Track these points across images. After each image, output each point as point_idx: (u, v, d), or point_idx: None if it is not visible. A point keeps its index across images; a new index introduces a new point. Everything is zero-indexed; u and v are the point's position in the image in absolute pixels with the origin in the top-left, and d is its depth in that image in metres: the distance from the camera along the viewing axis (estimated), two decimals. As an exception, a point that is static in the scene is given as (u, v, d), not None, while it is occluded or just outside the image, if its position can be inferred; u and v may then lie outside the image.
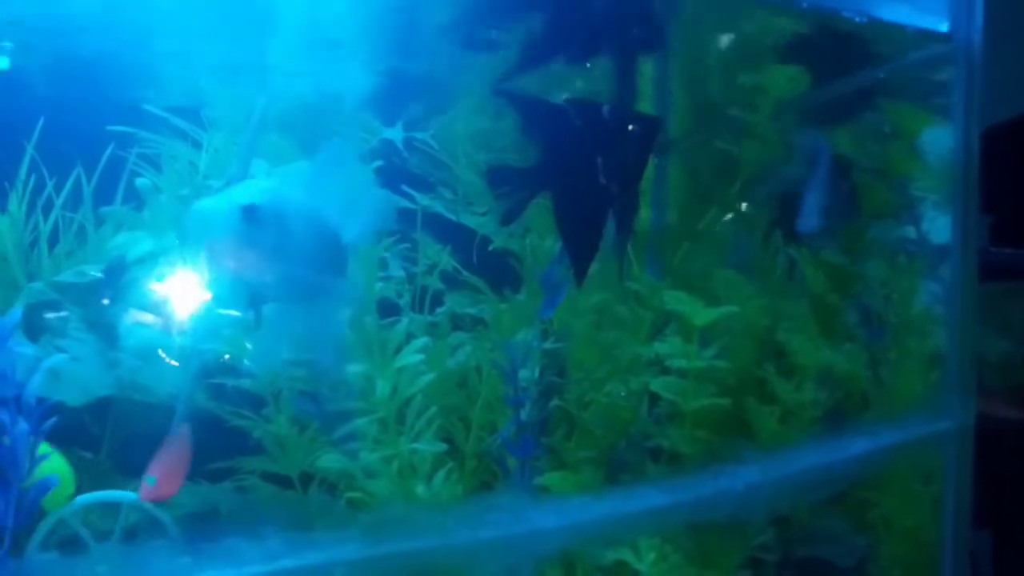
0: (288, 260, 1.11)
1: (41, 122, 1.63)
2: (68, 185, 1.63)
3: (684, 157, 1.36)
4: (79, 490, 1.36)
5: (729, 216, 1.34)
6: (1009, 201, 1.98)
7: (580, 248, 1.40)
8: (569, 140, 1.38)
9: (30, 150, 1.60)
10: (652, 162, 1.44)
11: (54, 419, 1.24)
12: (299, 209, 1.15)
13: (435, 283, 1.83)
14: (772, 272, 1.41)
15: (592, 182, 1.36)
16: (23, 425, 1.18)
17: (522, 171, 1.45)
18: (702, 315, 1.24)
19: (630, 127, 1.37)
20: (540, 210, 1.53)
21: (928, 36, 1.27)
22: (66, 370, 1.60)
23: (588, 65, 1.48)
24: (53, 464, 1.22)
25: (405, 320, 1.44)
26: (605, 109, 1.38)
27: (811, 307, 1.34)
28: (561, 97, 1.48)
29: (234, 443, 1.56)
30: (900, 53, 1.35)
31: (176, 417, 1.55)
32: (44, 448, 1.20)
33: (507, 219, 1.57)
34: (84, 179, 1.64)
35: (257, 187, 1.17)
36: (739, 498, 1.09)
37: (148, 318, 1.59)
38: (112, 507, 1.36)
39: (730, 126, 1.33)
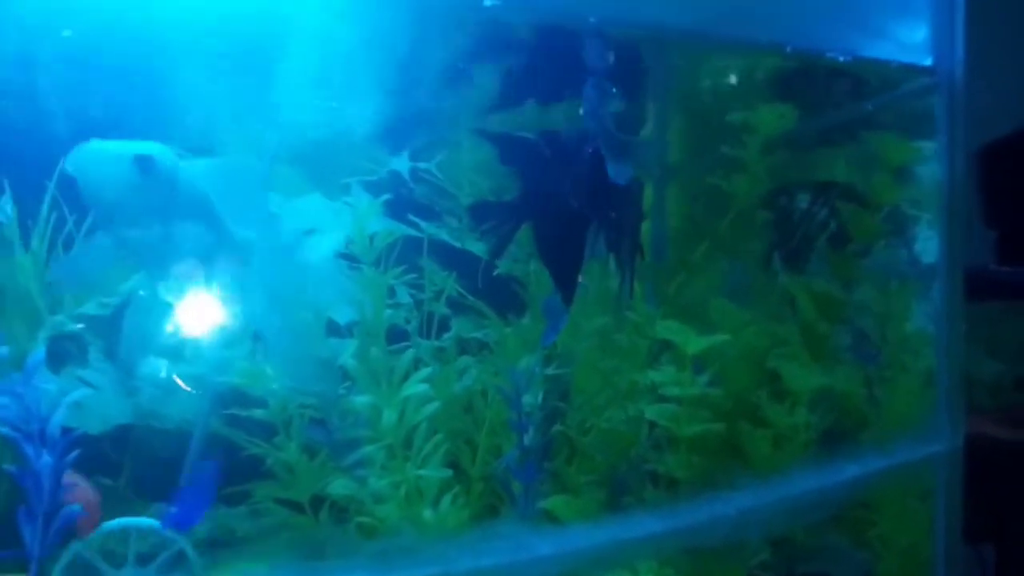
0: (167, 223, 1.14)
1: (61, 163, 1.70)
2: (88, 222, 1.70)
3: (680, 191, 1.41)
4: (101, 517, 1.41)
5: (723, 247, 1.39)
6: (1013, 218, 2.00)
7: (562, 270, 1.46)
8: (539, 170, 1.44)
9: (51, 189, 1.66)
10: (649, 195, 1.49)
11: (77, 451, 1.30)
12: (189, 183, 1.18)
13: (441, 309, 1.88)
14: (766, 299, 1.45)
15: (564, 206, 1.42)
16: (47, 458, 1.24)
17: (502, 205, 1.51)
18: (694, 343, 1.29)
19: (589, 151, 1.43)
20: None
21: (911, 70, 1.31)
22: (87, 400, 1.66)
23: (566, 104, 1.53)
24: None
25: (411, 350, 1.49)
26: (565, 137, 1.45)
27: (803, 333, 1.38)
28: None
29: (248, 469, 1.61)
30: (884, 87, 1.39)
31: (192, 444, 1.61)
32: None
33: (496, 253, 1.63)
34: (103, 216, 1.70)
35: (154, 146, 1.21)
36: (733, 523, 1.13)
37: (164, 350, 1.65)
38: (130, 533, 1.42)
39: (721, 162, 1.37)
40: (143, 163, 1.13)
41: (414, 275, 1.85)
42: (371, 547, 1.15)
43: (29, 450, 1.26)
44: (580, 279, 1.53)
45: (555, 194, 1.47)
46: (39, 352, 1.32)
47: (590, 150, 1.46)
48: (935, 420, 1.33)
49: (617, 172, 1.31)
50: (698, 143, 1.38)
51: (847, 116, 1.42)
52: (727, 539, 1.18)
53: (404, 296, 1.87)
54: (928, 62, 1.30)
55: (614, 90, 1.27)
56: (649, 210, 1.59)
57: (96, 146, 1.15)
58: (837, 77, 1.38)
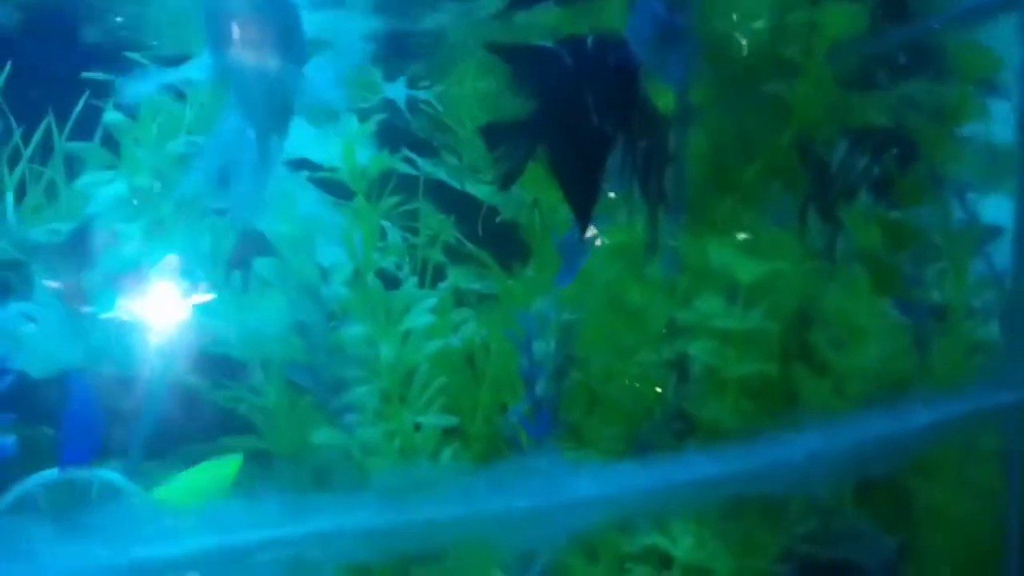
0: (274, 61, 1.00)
1: (8, 66, 1.49)
2: (38, 135, 1.49)
3: (727, 103, 1.24)
4: (42, 467, 1.22)
5: (780, 168, 1.22)
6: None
7: (580, 196, 1.30)
8: (560, 83, 1.28)
9: (-2, 96, 1.46)
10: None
11: (10, 377, 1.09)
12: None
13: (437, 255, 1.70)
14: (815, 232, 1.29)
15: (586, 125, 1.26)
16: (-26, 379, 1.04)
17: (518, 124, 1.34)
18: (748, 271, 1.12)
19: (615, 58, 1.27)
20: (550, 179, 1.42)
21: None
22: (29, 338, 1.45)
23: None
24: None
25: (413, 280, 1.31)
26: (589, 41, 1.29)
27: (864, 267, 1.22)
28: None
29: (219, 420, 1.41)
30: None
31: (151, 391, 1.41)
32: None
33: (507, 181, 1.45)
34: (55, 129, 1.50)
35: None
36: (798, 469, 0.96)
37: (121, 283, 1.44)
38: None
39: (780, 68, 1.21)
40: None
41: (409, 217, 1.67)
42: (384, 478, 0.96)
43: (-46, 370, 1.05)
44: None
45: (577, 111, 1.30)
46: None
47: (621, 58, 1.29)
48: (1010, 368, 1.17)
49: (671, 72, 1.15)
50: (751, 46, 1.21)
51: (917, 30, 1.26)
52: (789, 488, 1.01)
53: (396, 238, 1.69)
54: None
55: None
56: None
57: None
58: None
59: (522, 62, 1.34)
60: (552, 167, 1.33)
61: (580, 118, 1.30)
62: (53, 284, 1.40)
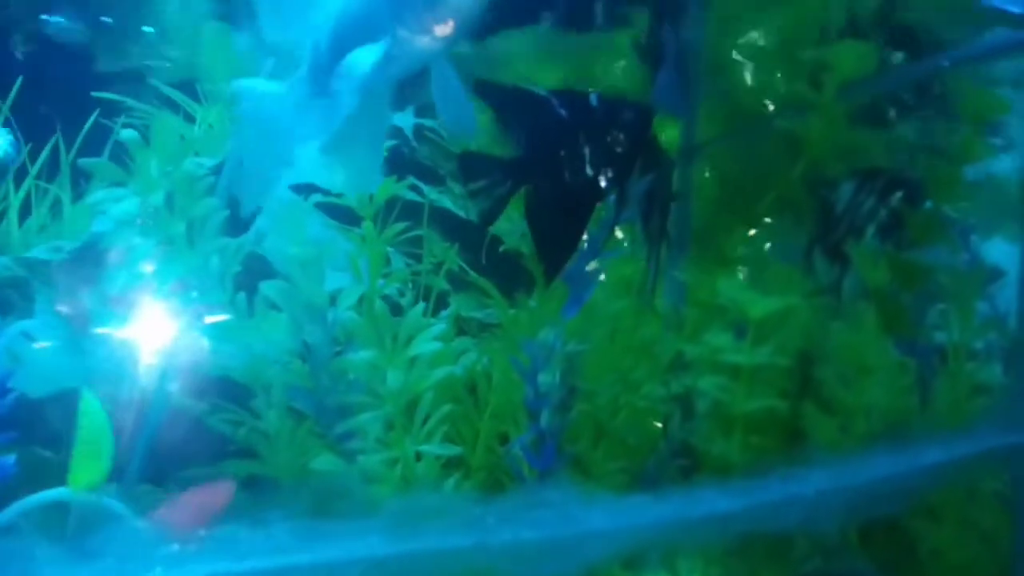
0: None
1: (19, 82, 1.49)
2: (45, 153, 1.49)
3: (735, 137, 1.26)
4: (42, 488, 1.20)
5: (790, 202, 1.23)
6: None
7: (553, 243, 1.30)
8: (545, 130, 1.29)
9: (4, 110, 1.46)
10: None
11: (12, 396, 1.08)
12: None
13: (440, 283, 1.70)
14: (821, 269, 1.30)
15: (567, 173, 1.27)
16: (-24, 397, 1.02)
17: (498, 161, 1.33)
18: (760, 306, 1.12)
19: (620, 116, 1.28)
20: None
21: (997, 17, 1.18)
22: (29, 357, 1.44)
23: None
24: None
25: (421, 306, 1.30)
26: (592, 98, 1.29)
27: (872, 305, 1.23)
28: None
29: (217, 446, 1.39)
30: (970, 33, 1.26)
31: (150, 414, 1.40)
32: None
33: (487, 219, 1.44)
34: (63, 147, 1.49)
35: None
36: (809, 506, 0.96)
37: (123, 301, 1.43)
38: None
39: (792, 105, 1.22)
40: None
41: (412, 244, 1.67)
42: (393, 506, 0.95)
43: (-44, 388, 1.04)
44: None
45: (561, 162, 1.30)
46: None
47: (628, 119, 1.29)
48: (1017, 410, 1.17)
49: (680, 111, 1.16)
50: (762, 81, 1.23)
51: (930, 64, 1.28)
52: (799, 525, 1.00)
53: (399, 265, 1.69)
54: (1018, 9, 1.17)
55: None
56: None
57: None
58: (918, 23, 1.25)
59: (508, 104, 1.34)
60: (527, 215, 1.33)
61: (563, 170, 1.30)
62: (58, 304, 1.39)
